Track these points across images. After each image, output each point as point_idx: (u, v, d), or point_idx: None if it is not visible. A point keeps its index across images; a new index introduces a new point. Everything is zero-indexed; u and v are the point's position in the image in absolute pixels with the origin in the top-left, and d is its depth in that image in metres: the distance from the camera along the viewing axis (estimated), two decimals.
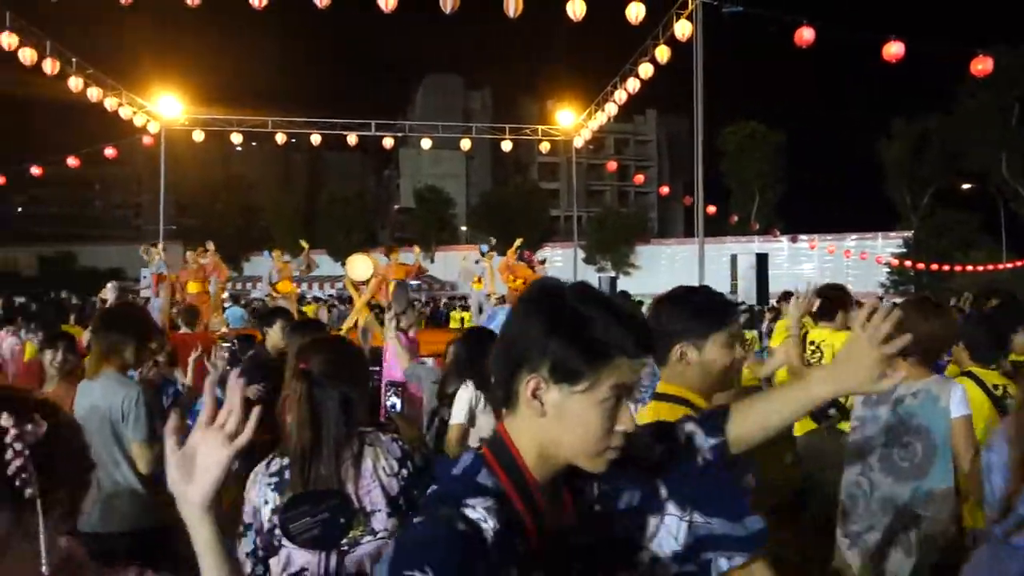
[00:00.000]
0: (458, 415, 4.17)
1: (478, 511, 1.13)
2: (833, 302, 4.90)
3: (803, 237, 40.57)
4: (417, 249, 15.47)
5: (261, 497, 2.19)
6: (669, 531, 1.32)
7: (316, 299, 25.22)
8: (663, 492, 1.34)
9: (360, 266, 13.12)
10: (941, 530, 2.98)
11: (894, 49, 11.06)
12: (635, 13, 12.12)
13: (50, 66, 15.84)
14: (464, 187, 66.23)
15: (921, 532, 2.97)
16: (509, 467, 1.22)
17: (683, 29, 12.82)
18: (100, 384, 3.39)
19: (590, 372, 1.19)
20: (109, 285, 12.09)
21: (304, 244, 15.82)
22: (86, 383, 3.46)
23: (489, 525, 1.12)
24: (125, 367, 3.47)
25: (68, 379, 4.22)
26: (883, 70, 11.39)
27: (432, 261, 51.38)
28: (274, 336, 5.03)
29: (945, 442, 3.01)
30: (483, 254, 15.11)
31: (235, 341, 7.19)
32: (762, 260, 16.45)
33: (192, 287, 13.36)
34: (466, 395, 4.27)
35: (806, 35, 11.37)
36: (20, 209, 78.32)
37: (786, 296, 7.60)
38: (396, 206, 68.64)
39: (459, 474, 1.24)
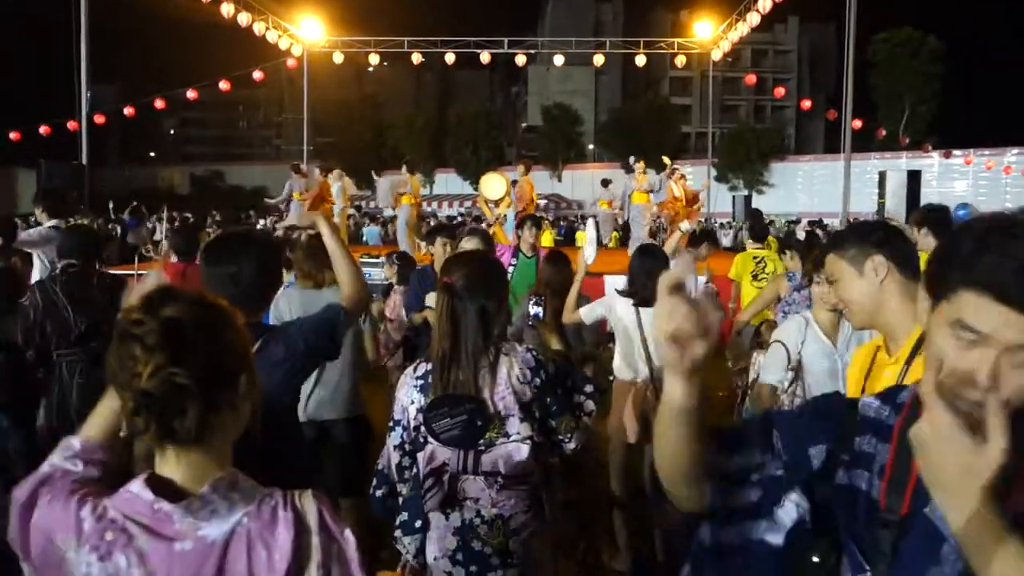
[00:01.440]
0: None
1: None
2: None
3: (957, 152, 37.50)
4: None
5: (408, 396, 2.40)
6: None
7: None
8: None
9: (494, 185, 13.23)
10: None
11: None
12: None
13: None
14: (592, 104, 65.03)
15: None
16: None
17: None
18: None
19: None
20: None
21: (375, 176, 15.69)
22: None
23: None
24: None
25: None
26: None
27: (559, 180, 51.24)
28: (438, 252, 5.16)
29: None
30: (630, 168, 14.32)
31: (392, 257, 7.39)
32: (914, 177, 15.43)
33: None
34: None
35: None
36: (172, 131, 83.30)
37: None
38: (524, 124, 68.39)
39: None
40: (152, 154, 72.81)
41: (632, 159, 13.56)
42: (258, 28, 19.59)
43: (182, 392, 1.16)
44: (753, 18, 17.96)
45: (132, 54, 72.97)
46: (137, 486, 1.20)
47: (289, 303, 3.91)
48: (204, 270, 2.38)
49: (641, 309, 4.14)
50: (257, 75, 22.93)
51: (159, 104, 22.66)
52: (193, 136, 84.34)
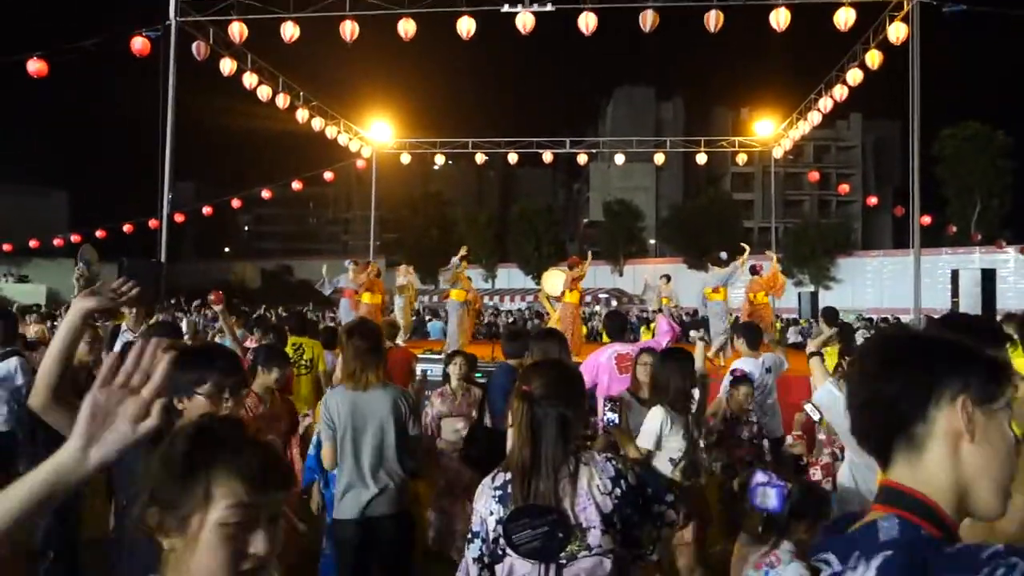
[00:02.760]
0: (646, 439, 4.24)
1: None
2: None
3: None
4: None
5: (487, 508, 2.36)
6: None
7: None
8: None
9: (555, 280, 13.38)
10: None
11: None
12: (844, 18, 11.55)
13: (282, 100, 17.74)
14: (654, 199, 65.61)
15: None
16: (940, 526, 1.13)
17: (897, 32, 12.06)
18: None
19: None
20: None
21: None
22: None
23: None
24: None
25: None
26: None
27: (621, 275, 51.36)
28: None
29: None
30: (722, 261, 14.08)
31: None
32: (988, 276, 15.00)
33: (367, 298, 13.31)
34: (657, 417, 4.32)
35: None
36: (247, 228, 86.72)
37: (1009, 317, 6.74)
38: (585, 219, 69.20)
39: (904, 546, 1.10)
40: (227, 249, 75.68)
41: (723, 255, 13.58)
42: (330, 132, 20.56)
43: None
44: (814, 117, 18.09)
45: (209, 153, 77.15)
46: None
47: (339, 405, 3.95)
48: None
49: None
50: (328, 175, 23.93)
51: (235, 203, 23.72)
52: (265, 232, 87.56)
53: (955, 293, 15.18)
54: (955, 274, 15.57)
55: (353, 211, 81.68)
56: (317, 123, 19.76)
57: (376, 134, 22.57)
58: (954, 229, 39.76)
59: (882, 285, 43.36)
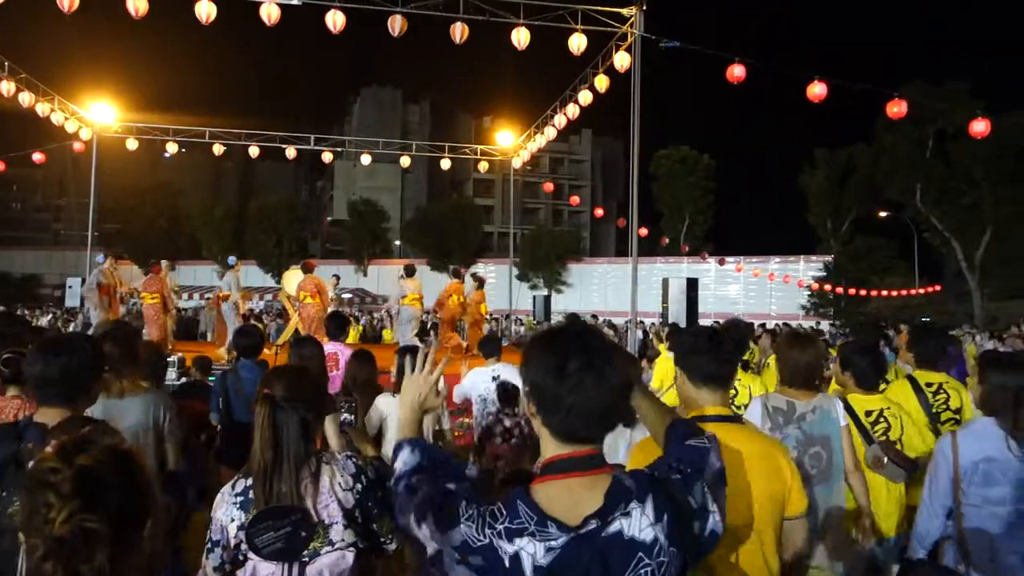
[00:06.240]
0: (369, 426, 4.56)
1: None
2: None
3: (730, 260, 41.75)
4: None
5: (228, 515, 2.35)
6: None
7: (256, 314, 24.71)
8: None
9: (296, 280, 13.11)
10: (837, 524, 3.40)
11: (817, 89, 11.68)
12: (577, 43, 12.52)
13: None
14: (399, 201, 65.99)
15: (827, 526, 3.38)
16: None
17: (622, 60, 13.25)
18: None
19: None
20: None
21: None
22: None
23: None
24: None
25: None
26: (808, 104, 12.01)
27: (365, 275, 51.07)
28: None
29: (841, 448, 3.46)
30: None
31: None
32: (692, 284, 16.96)
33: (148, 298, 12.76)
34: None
35: (736, 72, 11.91)
36: None
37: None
38: (329, 218, 67.95)
39: None
40: None
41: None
42: (42, 109, 18.32)
43: (92, 537, 1.22)
44: (550, 132, 19.32)
45: None
46: None
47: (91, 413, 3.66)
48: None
49: None
50: (38, 157, 21.36)
51: None
52: None
53: (665, 299, 17.02)
54: (665, 282, 17.45)
55: (67, 197, 73.53)
56: (25, 98, 17.52)
57: (98, 115, 20.48)
58: (667, 241, 44.40)
59: (606, 290, 47.02)
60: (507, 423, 5.94)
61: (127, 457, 1.36)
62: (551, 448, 1.64)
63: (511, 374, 6.34)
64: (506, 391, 5.87)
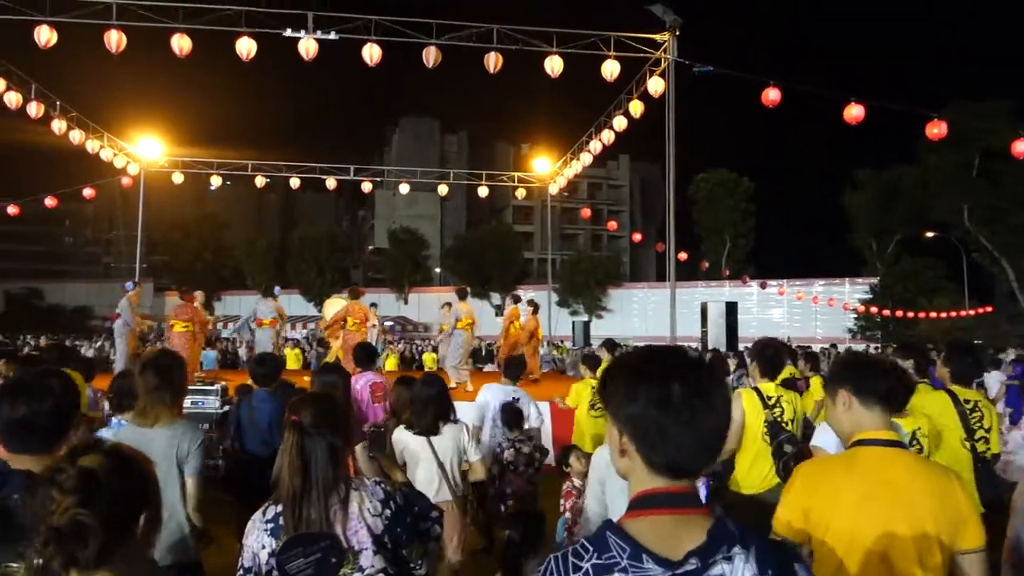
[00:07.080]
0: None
1: None
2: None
3: (772, 283, 41.18)
4: None
5: (259, 542, 2.37)
6: None
7: (294, 341, 25.04)
8: None
9: (336, 308, 13.23)
10: None
11: (855, 111, 11.59)
12: (610, 70, 12.62)
13: (35, 109, 16.02)
14: (439, 229, 66.47)
15: None
16: None
17: (656, 85, 13.30)
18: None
19: None
20: None
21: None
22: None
23: None
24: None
25: None
26: (847, 125, 11.88)
27: (406, 303, 51.47)
28: None
29: None
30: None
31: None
32: (731, 308, 16.75)
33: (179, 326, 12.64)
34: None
35: (771, 95, 11.87)
36: None
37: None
38: (370, 247, 68.68)
39: None
40: None
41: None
42: (92, 146, 18.94)
43: (84, 528, 1.43)
44: (586, 157, 19.39)
45: None
46: None
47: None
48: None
49: (432, 438, 4.56)
50: (88, 192, 22.02)
51: None
52: (11, 252, 78.49)
53: (704, 323, 16.84)
54: (704, 307, 17.28)
55: (116, 231, 75.42)
56: (76, 135, 18.12)
57: (145, 151, 21.10)
58: (707, 265, 44.02)
59: (647, 315, 46.70)
60: (525, 449, 5.95)
61: (128, 458, 1.58)
62: (643, 481, 1.51)
63: (526, 402, 6.45)
64: (516, 415, 6.06)
